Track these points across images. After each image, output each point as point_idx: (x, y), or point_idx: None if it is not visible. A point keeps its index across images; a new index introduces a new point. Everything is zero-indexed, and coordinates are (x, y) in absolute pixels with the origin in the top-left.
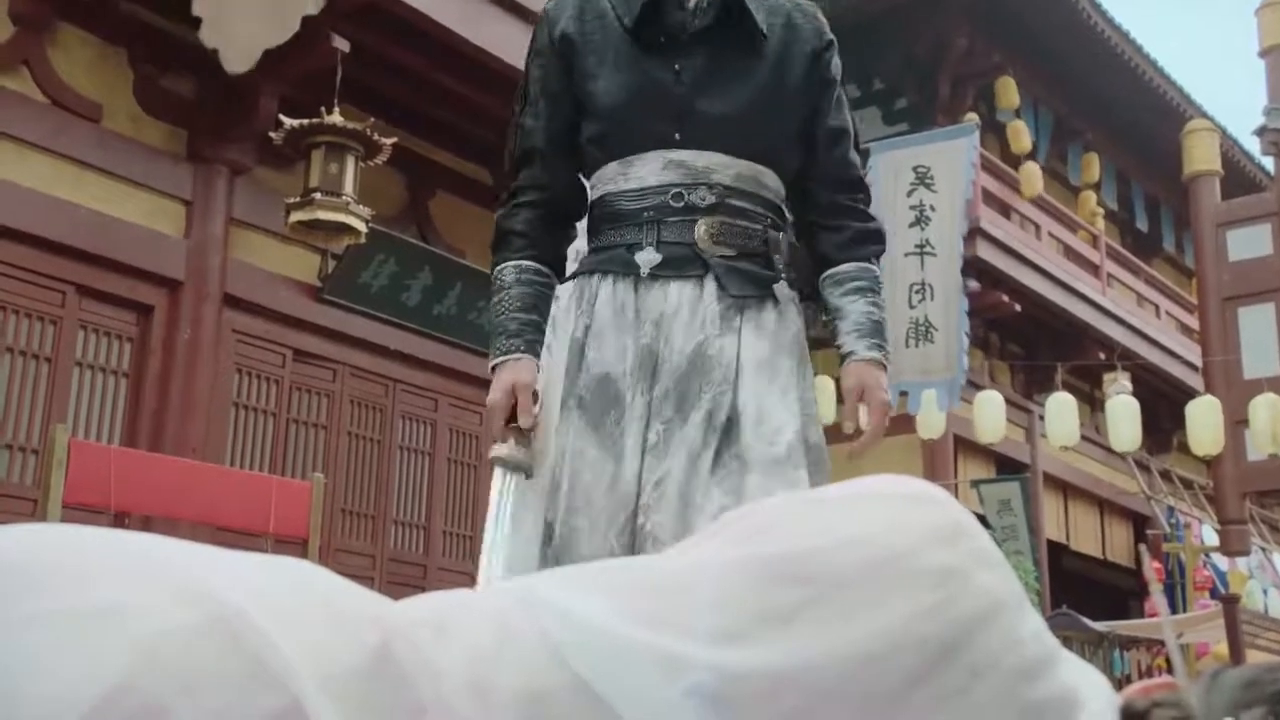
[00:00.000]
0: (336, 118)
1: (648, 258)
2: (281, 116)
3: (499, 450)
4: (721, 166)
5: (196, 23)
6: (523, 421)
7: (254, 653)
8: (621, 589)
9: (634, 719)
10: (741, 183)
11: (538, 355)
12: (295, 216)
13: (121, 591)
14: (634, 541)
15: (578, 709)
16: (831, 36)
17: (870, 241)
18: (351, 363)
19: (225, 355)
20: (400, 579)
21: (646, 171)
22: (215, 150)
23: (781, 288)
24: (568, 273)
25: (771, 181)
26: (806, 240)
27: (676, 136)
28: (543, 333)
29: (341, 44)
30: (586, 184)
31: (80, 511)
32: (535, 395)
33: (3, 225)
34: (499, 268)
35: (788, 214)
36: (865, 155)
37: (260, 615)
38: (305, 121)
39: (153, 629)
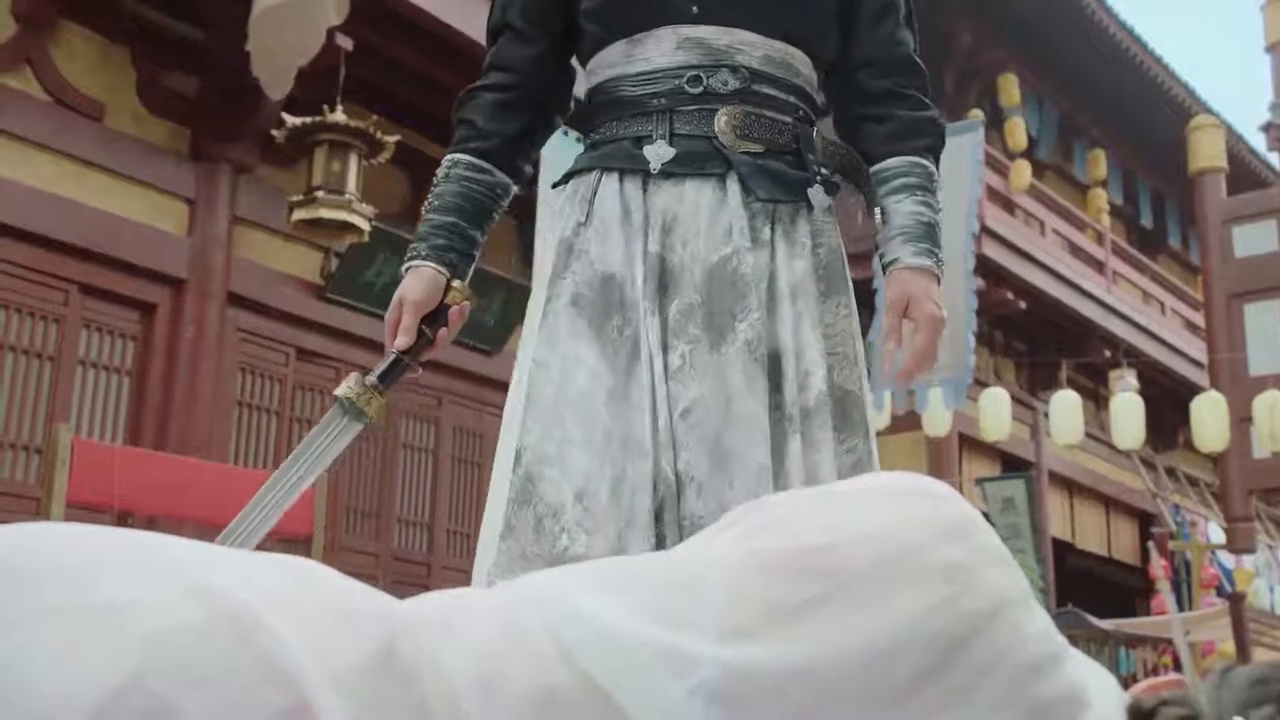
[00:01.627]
0: (339, 116)
1: (658, 152)
2: (284, 115)
3: (339, 387)
4: (747, 46)
5: (199, 22)
6: (390, 342)
7: (261, 650)
8: (629, 585)
9: (641, 716)
10: (770, 66)
11: (449, 265)
12: (298, 215)
13: (127, 588)
14: (657, 478)
15: (585, 706)
16: None
17: (923, 133)
18: (355, 361)
19: (228, 354)
20: (404, 577)
21: (657, 52)
22: (218, 148)
23: (816, 192)
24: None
25: (804, 67)
26: (851, 136)
27: (694, 10)
28: (467, 240)
29: (345, 42)
30: (582, 70)
31: (83, 510)
32: (438, 316)
33: (6, 224)
34: (443, 161)
35: (820, 105)
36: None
37: (267, 613)
38: (308, 120)
39: (159, 626)
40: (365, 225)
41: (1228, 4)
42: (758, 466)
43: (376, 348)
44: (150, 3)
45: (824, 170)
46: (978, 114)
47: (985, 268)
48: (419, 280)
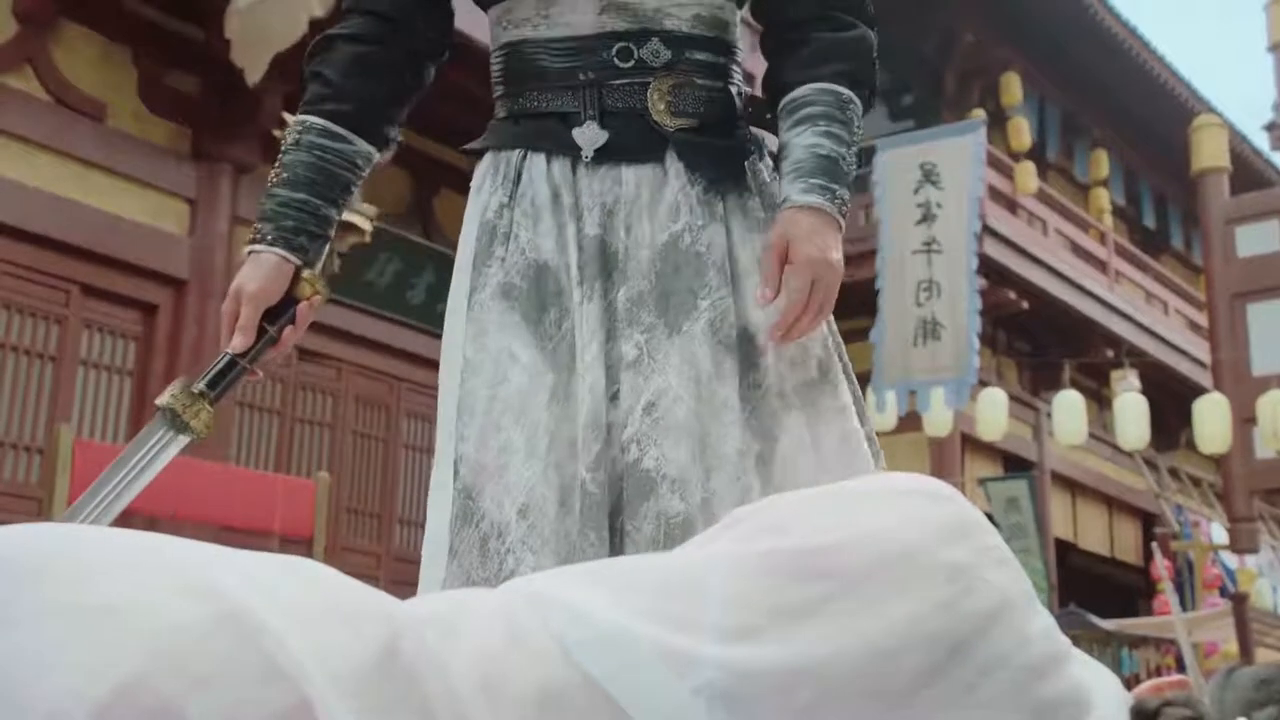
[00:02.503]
0: None
1: (589, 136)
2: (286, 114)
3: (162, 395)
4: (676, 8)
5: (201, 21)
6: (227, 343)
7: (264, 650)
8: (631, 586)
9: (643, 717)
10: (700, 27)
11: (298, 251)
12: None
13: (131, 588)
14: (618, 477)
15: (588, 707)
16: None
17: (839, 55)
18: (356, 361)
19: None
20: (406, 578)
21: (576, 15)
22: (220, 148)
23: (756, 162)
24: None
25: (731, 16)
26: (771, 70)
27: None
28: (320, 220)
29: None
30: (486, 19)
31: None
32: (283, 311)
33: (7, 224)
34: (288, 126)
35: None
36: (870, 152)
37: (269, 613)
38: None
39: (163, 625)
40: (367, 225)
41: (1231, 4)
42: (735, 454)
43: (378, 348)
44: (151, 2)
45: (758, 136)
46: (980, 113)
47: (988, 267)
48: (260, 269)
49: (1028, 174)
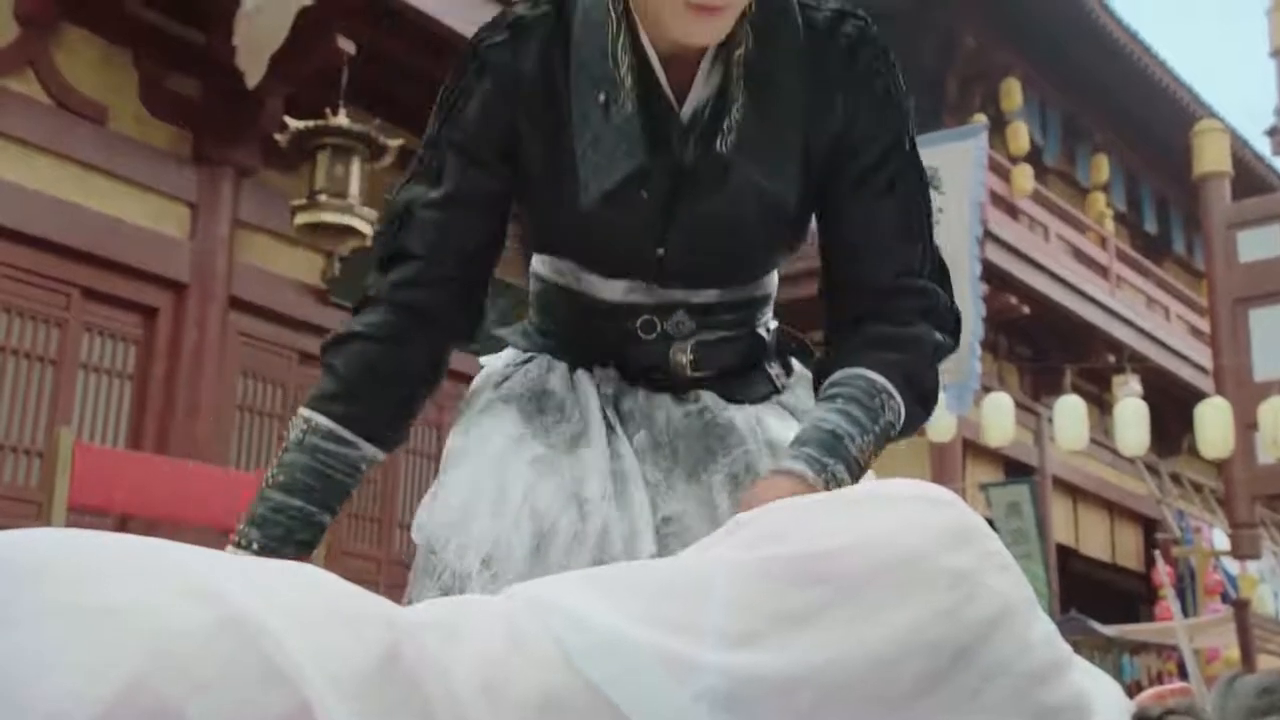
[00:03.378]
0: (342, 119)
1: (610, 375)
2: (287, 118)
3: None
4: (703, 287)
5: (202, 24)
6: None
7: (264, 654)
8: (632, 592)
9: None
10: (728, 295)
11: (282, 558)
12: (300, 219)
13: (133, 591)
14: (604, 540)
15: (589, 712)
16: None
17: (884, 347)
18: None
19: (230, 358)
20: (405, 583)
21: (606, 287)
22: (220, 152)
23: (789, 397)
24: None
25: (769, 283)
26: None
27: (656, 274)
28: (312, 528)
29: (347, 45)
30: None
31: (84, 515)
32: None
33: (7, 227)
34: (298, 413)
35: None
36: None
37: (270, 617)
38: (310, 123)
39: (164, 628)
40: (367, 229)
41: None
42: None
43: None
44: (152, 5)
45: (787, 374)
46: (981, 118)
47: (988, 272)
48: None
49: (1024, 176)
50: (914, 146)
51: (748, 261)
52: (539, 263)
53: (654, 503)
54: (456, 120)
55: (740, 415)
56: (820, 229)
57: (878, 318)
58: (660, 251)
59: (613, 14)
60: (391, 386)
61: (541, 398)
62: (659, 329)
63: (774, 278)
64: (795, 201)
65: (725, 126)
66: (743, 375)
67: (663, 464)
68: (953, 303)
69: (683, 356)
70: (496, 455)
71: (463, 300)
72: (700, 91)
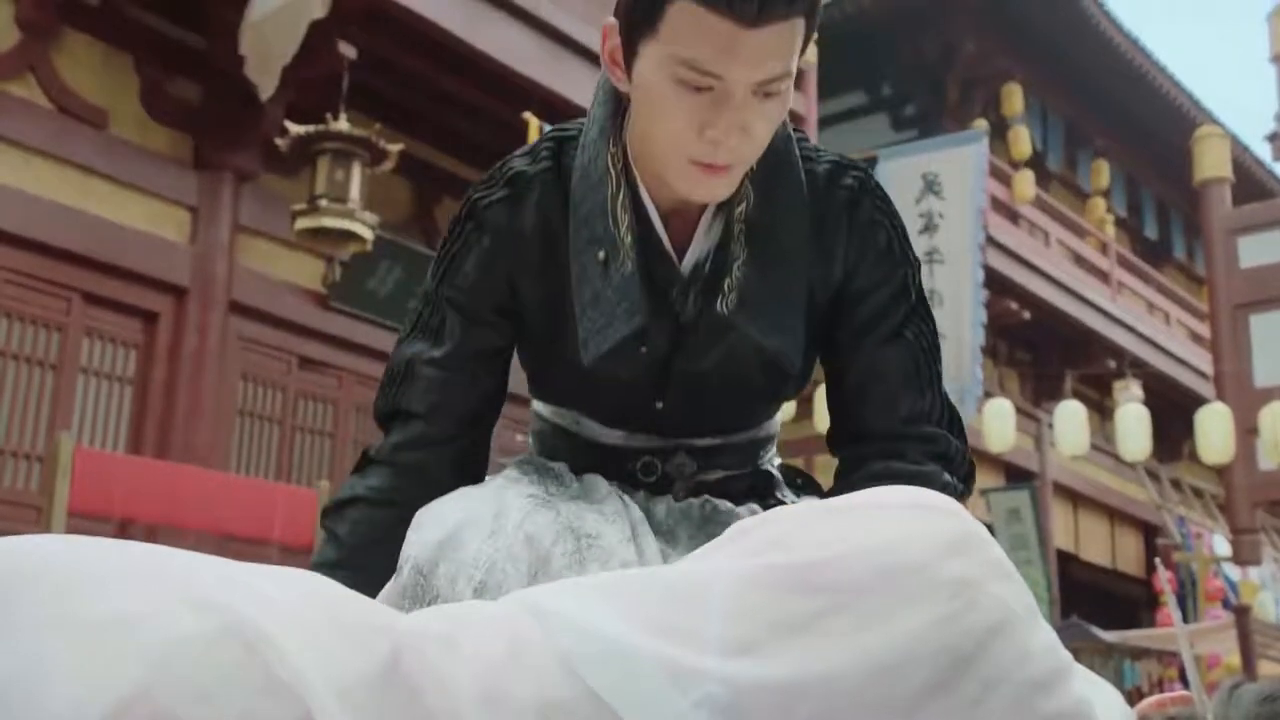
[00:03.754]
0: (342, 124)
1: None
2: (287, 123)
3: None
4: (705, 430)
5: (203, 29)
6: None
7: (266, 663)
8: (633, 599)
9: None
10: (731, 439)
11: None
12: (301, 223)
13: (134, 601)
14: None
15: None
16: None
17: (900, 481)
18: (357, 370)
19: (231, 362)
20: None
21: (605, 433)
22: (221, 157)
23: (785, 494)
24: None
25: (772, 421)
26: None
27: (657, 421)
28: None
29: (348, 50)
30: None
31: (84, 519)
32: None
33: (7, 231)
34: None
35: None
36: (872, 162)
37: (272, 626)
38: (311, 128)
39: (166, 638)
40: (368, 234)
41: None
42: None
43: (379, 356)
44: (153, 10)
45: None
46: (982, 124)
47: (989, 278)
48: None
49: (1026, 182)
50: (921, 295)
51: (748, 412)
52: (539, 403)
53: (664, 553)
54: (454, 278)
55: (744, 509)
56: (827, 376)
57: (887, 457)
58: (659, 405)
59: (612, 171)
60: (396, 550)
61: (544, 469)
62: (659, 470)
63: (778, 419)
64: (797, 358)
65: (726, 285)
66: (741, 500)
67: (663, 546)
68: (966, 450)
69: (680, 495)
70: (493, 488)
71: (465, 458)
72: (701, 245)
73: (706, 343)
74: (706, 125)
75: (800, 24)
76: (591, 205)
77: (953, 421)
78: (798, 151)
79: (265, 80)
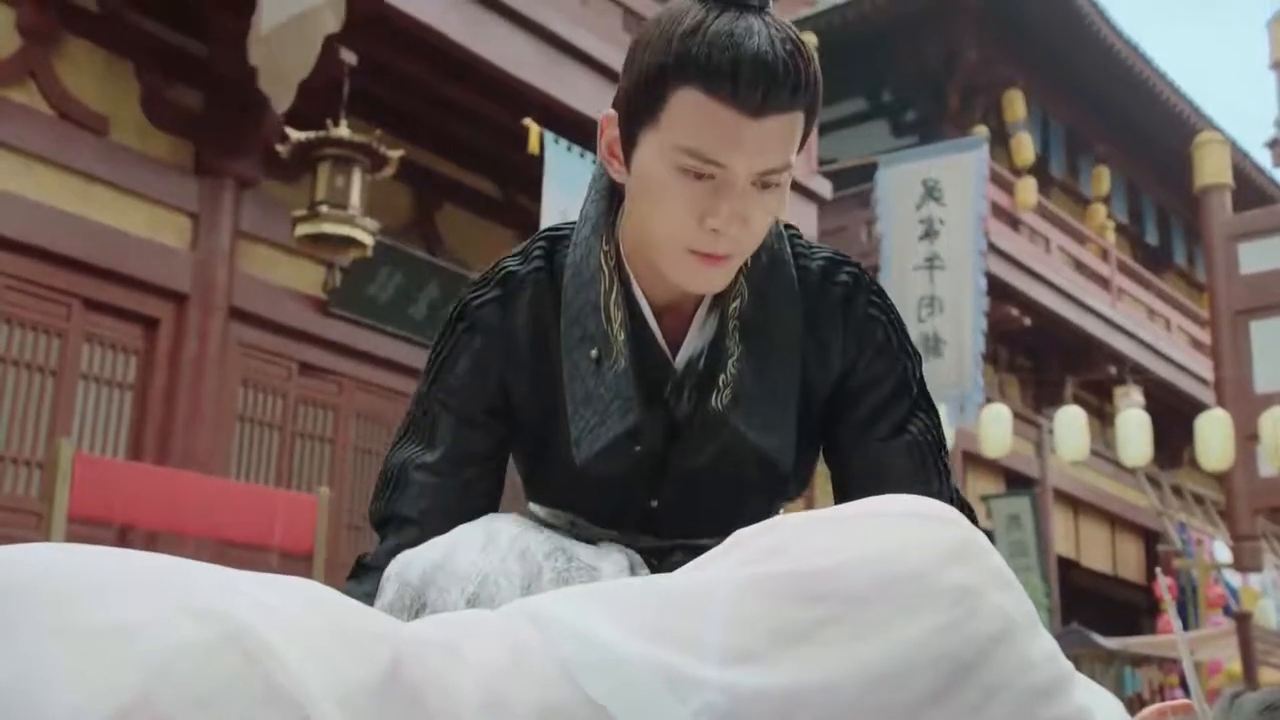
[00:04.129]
0: (343, 130)
1: None
2: (288, 129)
3: None
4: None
5: (204, 36)
6: None
7: (266, 671)
8: (633, 607)
9: None
10: (727, 537)
11: None
12: (301, 229)
13: (133, 609)
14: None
15: None
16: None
17: None
18: (358, 376)
19: (231, 368)
20: None
21: (602, 535)
22: (222, 163)
23: None
24: None
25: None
26: None
27: (650, 529)
28: None
29: (348, 56)
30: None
31: (85, 525)
32: None
33: (8, 237)
34: None
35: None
36: (873, 168)
37: (271, 633)
38: (311, 134)
39: (166, 646)
40: (369, 240)
41: (1234, 20)
42: None
43: (379, 363)
44: (154, 17)
45: None
46: (983, 130)
47: (990, 284)
48: None
49: (1028, 189)
50: (923, 388)
51: (746, 511)
52: (535, 505)
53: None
54: (446, 380)
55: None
56: (832, 473)
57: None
58: (654, 503)
59: (605, 268)
60: None
61: (540, 521)
62: (655, 571)
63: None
64: (789, 456)
65: (721, 381)
66: None
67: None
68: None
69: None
70: (483, 520)
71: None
72: (695, 341)
73: (701, 439)
74: (707, 214)
75: (800, 118)
76: (583, 303)
77: (963, 509)
78: (790, 248)
79: (280, 93)
